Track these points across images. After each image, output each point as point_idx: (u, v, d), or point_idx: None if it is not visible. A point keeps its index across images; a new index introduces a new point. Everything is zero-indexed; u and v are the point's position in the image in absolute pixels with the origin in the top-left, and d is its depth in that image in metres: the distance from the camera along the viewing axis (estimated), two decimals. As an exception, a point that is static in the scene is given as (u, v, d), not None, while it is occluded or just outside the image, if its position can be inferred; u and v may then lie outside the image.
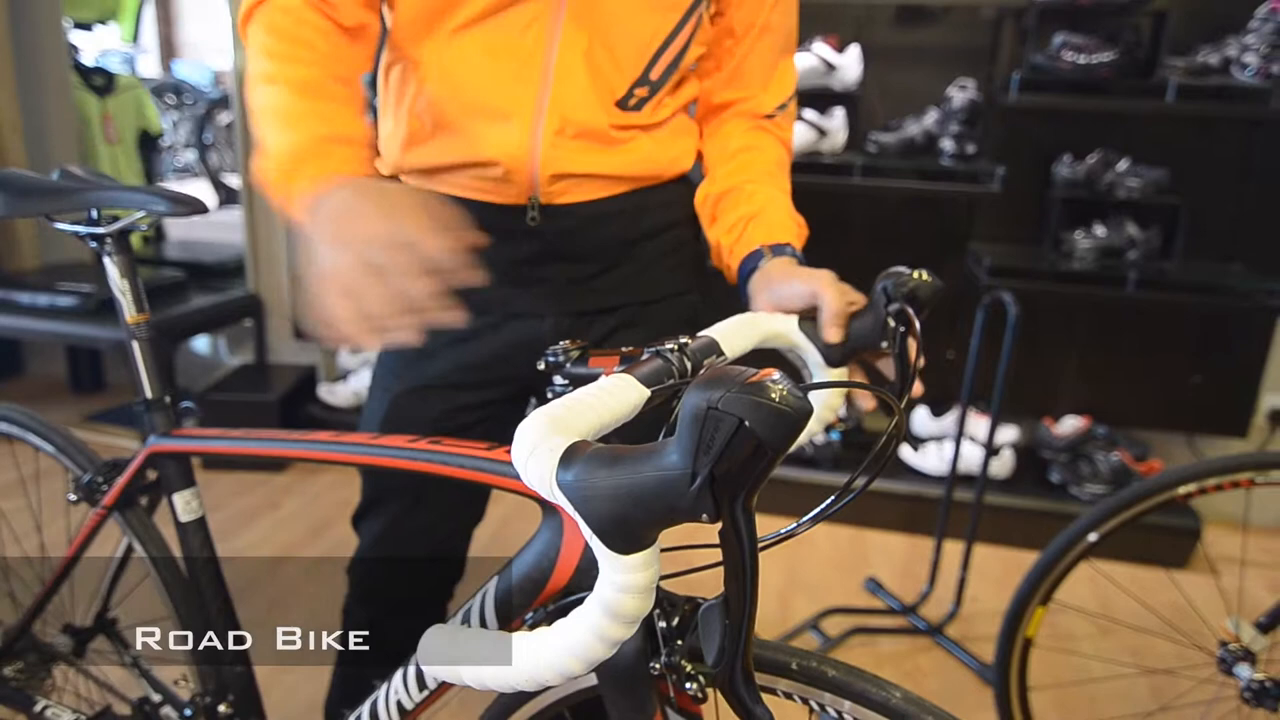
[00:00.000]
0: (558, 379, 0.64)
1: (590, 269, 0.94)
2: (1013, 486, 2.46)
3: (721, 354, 0.68)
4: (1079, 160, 2.36)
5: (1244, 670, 1.27)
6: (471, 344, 0.94)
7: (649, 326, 0.97)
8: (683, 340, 0.64)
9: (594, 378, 0.56)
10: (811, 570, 2.28)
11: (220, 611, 1.03)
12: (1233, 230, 2.40)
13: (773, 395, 0.40)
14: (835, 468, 2.50)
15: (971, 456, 2.37)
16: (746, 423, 0.39)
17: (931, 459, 2.51)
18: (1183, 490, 1.30)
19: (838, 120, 2.41)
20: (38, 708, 1.16)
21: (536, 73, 0.84)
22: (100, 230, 0.99)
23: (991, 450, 2.01)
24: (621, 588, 0.46)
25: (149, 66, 6.74)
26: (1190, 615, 1.98)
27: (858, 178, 2.34)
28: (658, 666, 0.56)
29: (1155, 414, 2.56)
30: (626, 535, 0.44)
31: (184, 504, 1.01)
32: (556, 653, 0.48)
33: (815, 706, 0.60)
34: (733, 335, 0.72)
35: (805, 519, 0.57)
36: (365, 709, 0.77)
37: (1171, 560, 2.34)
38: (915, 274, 0.72)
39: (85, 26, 3.94)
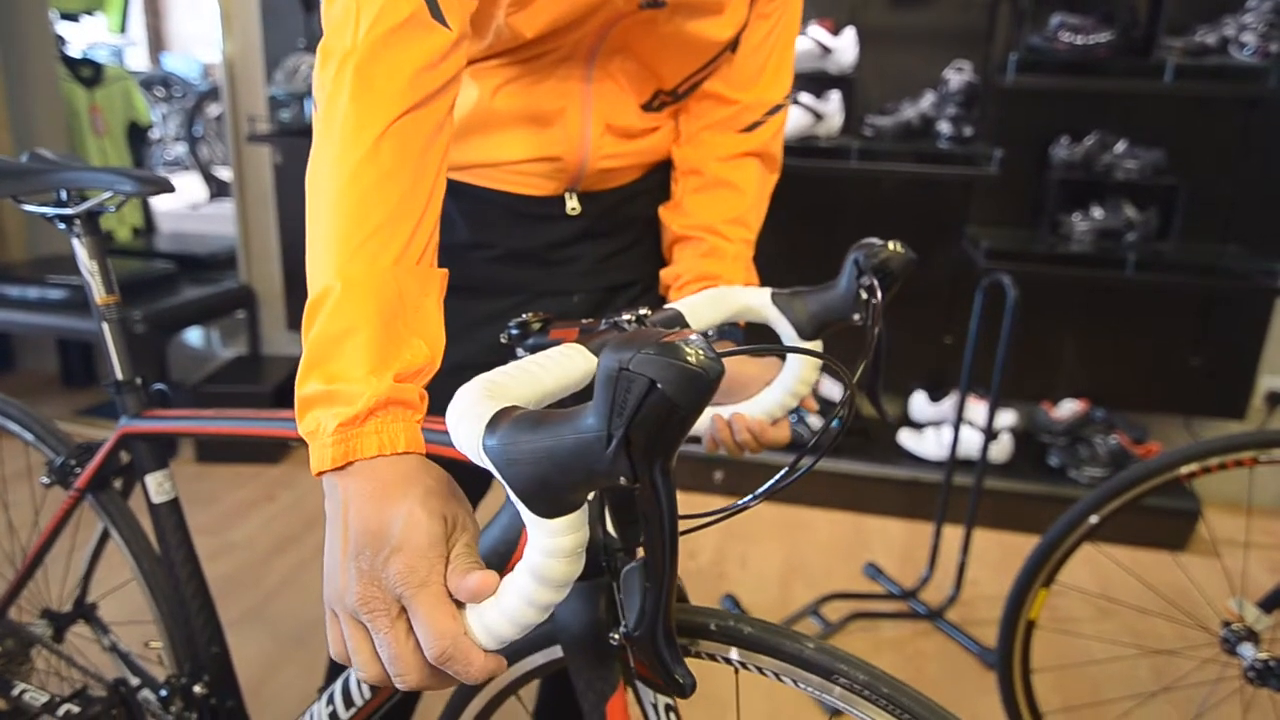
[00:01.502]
0: (520, 352, 0.63)
1: (617, 245, 0.96)
2: (1011, 471, 2.45)
3: (685, 325, 0.67)
4: (1076, 142, 2.34)
5: (1247, 650, 1.26)
6: (502, 323, 0.94)
7: (659, 294, 0.99)
8: (642, 312, 0.63)
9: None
10: (811, 556, 2.27)
11: (195, 593, 1.03)
12: (1231, 211, 2.39)
13: (684, 355, 0.39)
14: (835, 454, 2.49)
15: (970, 441, 2.37)
16: (657, 384, 0.39)
17: (930, 444, 2.50)
18: (1185, 470, 1.28)
19: (833, 104, 2.39)
20: (15, 692, 1.15)
21: (578, 86, 0.85)
22: (68, 211, 0.98)
23: (990, 435, 2.00)
24: (548, 551, 0.46)
25: (137, 59, 6.70)
26: (1192, 597, 1.99)
27: (854, 161, 2.33)
28: (617, 637, 0.56)
29: (1153, 396, 2.56)
30: (549, 499, 0.44)
31: (156, 485, 1.01)
32: (492, 619, 0.49)
33: (736, 664, 0.60)
34: (700, 308, 0.71)
35: (750, 496, 0.56)
36: (338, 687, 0.77)
37: (1171, 543, 2.34)
38: (887, 245, 0.71)
39: (72, 17, 3.89)
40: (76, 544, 1.18)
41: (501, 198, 0.88)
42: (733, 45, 0.89)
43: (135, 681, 1.11)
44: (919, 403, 2.60)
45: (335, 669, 1.15)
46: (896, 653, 1.90)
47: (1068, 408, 2.50)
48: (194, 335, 3.53)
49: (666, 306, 0.68)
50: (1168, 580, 2.11)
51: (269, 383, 2.78)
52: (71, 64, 3.41)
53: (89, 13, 3.98)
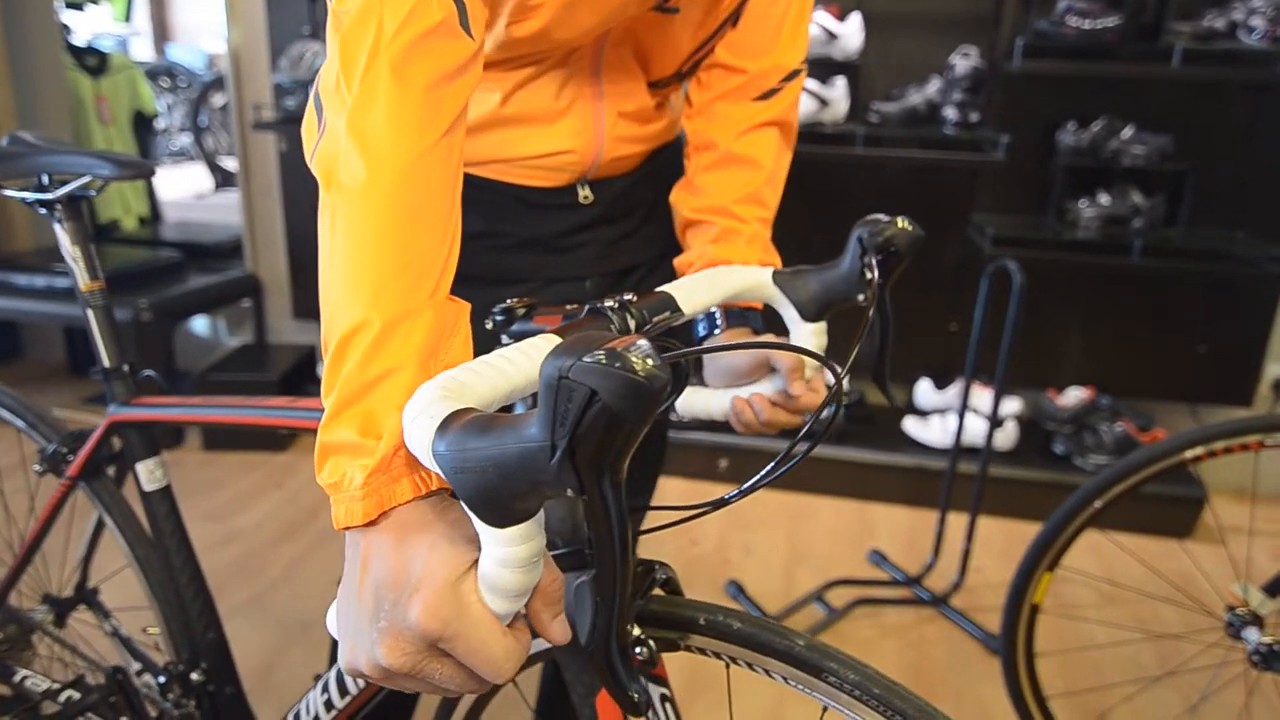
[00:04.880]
0: (505, 339, 0.61)
1: (627, 228, 0.95)
2: (1016, 458, 2.45)
3: (678, 310, 0.64)
4: (1083, 128, 2.33)
5: (1252, 634, 1.26)
6: None
7: (663, 275, 0.97)
8: (627, 297, 0.60)
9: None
10: (815, 543, 2.28)
11: (190, 580, 1.03)
12: (1238, 197, 2.37)
13: (628, 364, 0.36)
14: (840, 441, 2.49)
15: (975, 428, 2.37)
16: (598, 394, 0.36)
17: (935, 431, 2.50)
18: (1190, 454, 1.28)
19: (839, 90, 2.38)
20: (17, 678, 1.15)
21: (588, 80, 0.85)
22: (48, 196, 0.95)
23: (996, 422, 2.00)
24: (499, 561, 0.44)
25: (142, 49, 6.69)
26: (1196, 583, 1.99)
27: (860, 148, 2.32)
28: None
29: (1159, 384, 2.55)
30: (496, 508, 0.42)
31: (147, 473, 1.00)
32: None
33: (726, 660, 0.58)
34: (696, 290, 0.67)
35: (735, 491, 0.55)
36: (332, 674, 0.76)
37: (1176, 530, 2.33)
38: (894, 222, 0.68)
39: (77, 6, 3.89)
40: (76, 529, 1.18)
41: (513, 190, 0.87)
42: (734, 18, 0.87)
43: (136, 667, 1.11)
44: (924, 390, 2.59)
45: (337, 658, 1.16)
46: (900, 639, 1.90)
47: (1073, 395, 2.49)
48: (200, 324, 3.54)
49: (659, 290, 0.65)
50: (1172, 566, 2.11)
51: (275, 371, 2.79)
52: (77, 53, 3.42)
53: (94, 2, 3.98)
